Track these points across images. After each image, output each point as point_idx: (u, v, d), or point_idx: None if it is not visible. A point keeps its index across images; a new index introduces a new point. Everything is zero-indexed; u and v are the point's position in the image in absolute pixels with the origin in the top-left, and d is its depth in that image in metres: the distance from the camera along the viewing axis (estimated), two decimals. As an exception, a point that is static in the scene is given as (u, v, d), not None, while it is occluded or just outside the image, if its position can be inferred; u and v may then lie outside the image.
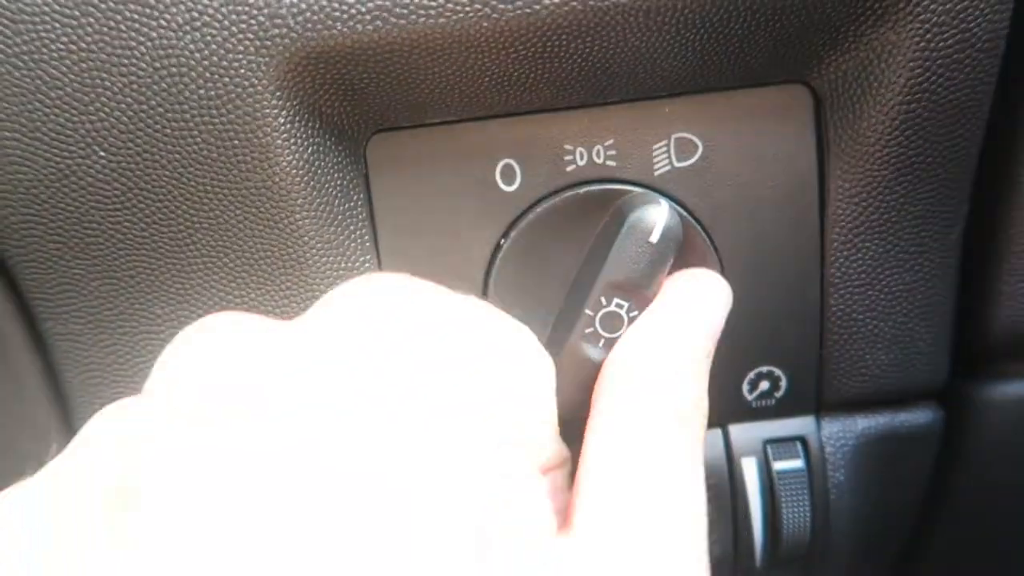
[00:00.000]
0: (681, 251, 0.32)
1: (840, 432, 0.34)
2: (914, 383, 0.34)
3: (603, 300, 0.30)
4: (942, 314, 0.33)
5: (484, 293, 0.32)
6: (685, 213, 0.31)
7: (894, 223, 0.31)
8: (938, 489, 0.37)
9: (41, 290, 0.30)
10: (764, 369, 0.33)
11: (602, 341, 0.30)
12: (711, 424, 0.34)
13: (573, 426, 0.25)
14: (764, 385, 0.34)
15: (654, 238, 0.29)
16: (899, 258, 0.32)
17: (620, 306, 0.30)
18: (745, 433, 0.34)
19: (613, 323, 0.30)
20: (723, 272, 0.32)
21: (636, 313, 0.30)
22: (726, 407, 0.34)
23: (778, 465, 0.34)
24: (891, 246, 0.31)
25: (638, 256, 0.29)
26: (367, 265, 0.31)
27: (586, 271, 0.31)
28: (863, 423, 0.34)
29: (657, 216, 0.29)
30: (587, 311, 0.30)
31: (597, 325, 0.30)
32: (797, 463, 0.34)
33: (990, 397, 0.35)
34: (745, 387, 0.34)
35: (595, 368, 0.30)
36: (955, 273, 0.32)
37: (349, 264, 0.31)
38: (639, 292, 0.29)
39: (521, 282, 0.31)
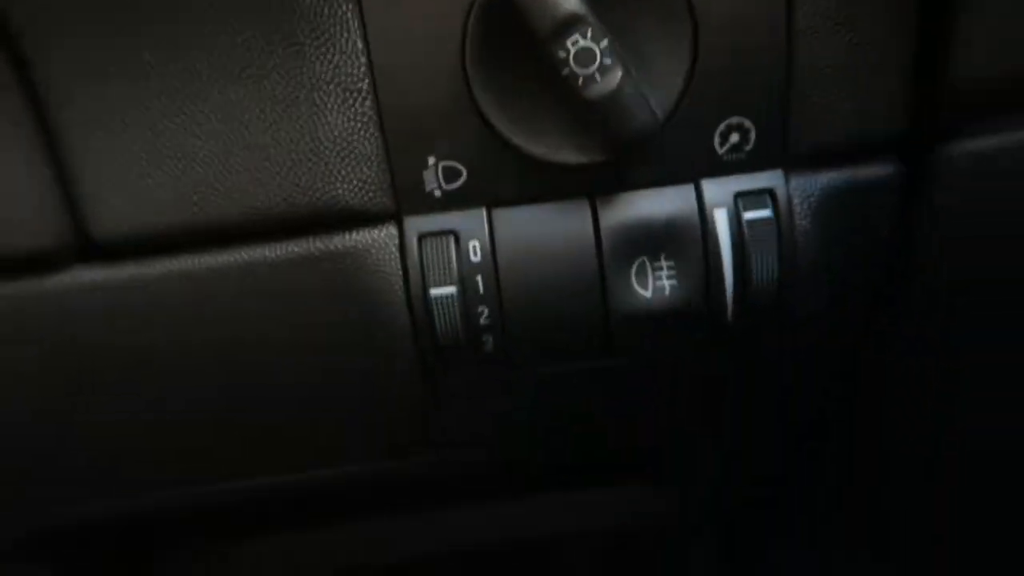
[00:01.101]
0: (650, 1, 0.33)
1: (806, 184, 0.36)
2: (876, 133, 0.35)
3: (560, 43, 0.31)
4: (903, 60, 0.34)
5: (463, 36, 0.33)
6: None
7: (859, -33, 0.32)
8: (902, 247, 0.39)
9: (30, 33, 0.31)
10: (734, 121, 0.35)
11: (581, 79, 0.32)
12: (683, 179, 0.36)
13: None
14: (734, 138, 0.35)
15: None
16: (862, 2, 0.33)
17: (580, 39, 0.31)
18: (716, 187, 0.36)
19: (587, 57, 0.31)
20: (694, 20, 0.33)
21: (606, 41, 0.31)
22: (698, 161, 0.35)
23: (748, 215, 0.36)
24: (856, -13, 0.33)
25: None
26: (347, 7, 0.32)
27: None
28: (828, 175, 0.36)
29: None
30: (559, 54, 0.31)
31: (572, 64, 0.31)
32: (766, 212, 0.36)
33: (949, 153, 0.36)
34: (716, 140, 0.35)
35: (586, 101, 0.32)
36: (915, 18, 0.34)
37: (331, 9, 0.32)
38: (582, 22, 0.30)
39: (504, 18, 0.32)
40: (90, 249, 0.35)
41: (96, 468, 0.44)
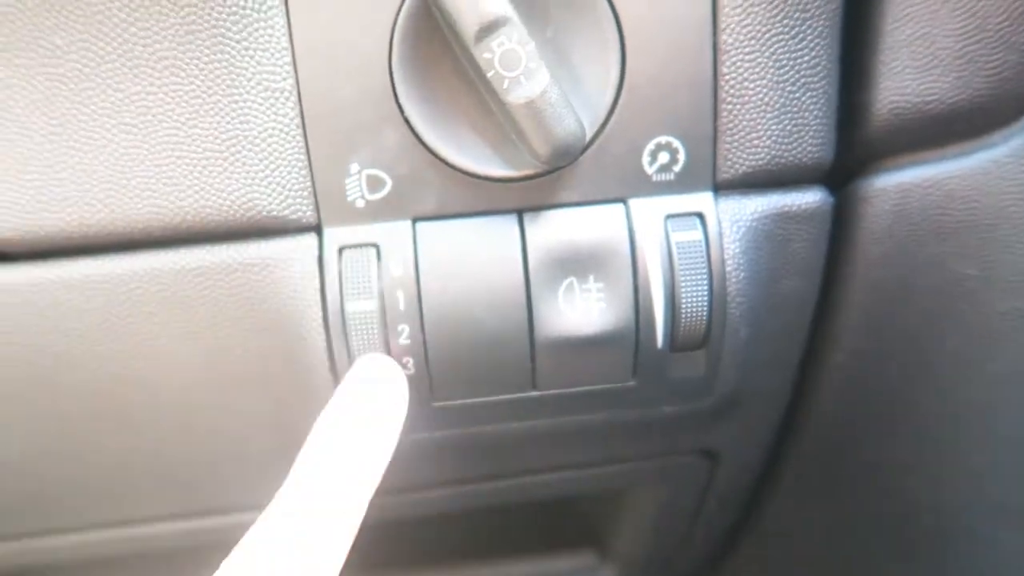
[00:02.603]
0: (577, 16, 0.33)
1: (736, 208, 0.36)
2: (803, 158, 0.35)
3: (486, 44, 0.31)
4: (827, 85, 0.35)
5: (391, 39, 0.32)
6: None
7: (781, -9, 0.33)
8: (830, 282, 0.39)
9: None
10: (663, 140, 0.34)
11: (506, 82, 0.31)
12: (613, 198, 0.35)
13: None
14: (664, 157, 0.35)
15: None
16: (785, 24, 0.33)
17: (506, 41, 0.31)
18: (646, 208, 0.35)
19: (512, 60, 0.31)
20: (622, 39, 0.33)
21: (532, 45, 0.31)
22: (627, 181, 0.35)
23: (677, 237, 0.35)
24: (778, 11, 0.33)
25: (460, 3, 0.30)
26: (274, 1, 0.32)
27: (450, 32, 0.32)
28: (757, 200, 0.36)
29: None
30: (485, 55, 0.31)
31: (498, 67, 0.31)
32: (696, 235, 0.35)
33: (875, 184, 0.37)
34: (645, 159, 0.35)
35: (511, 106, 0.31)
36: (838, 44, 0.34)
37: (257, 2, 0.31)
38: (508, 24, 0.30)
39: (432, 21, 0.32)
40: None
41: None
